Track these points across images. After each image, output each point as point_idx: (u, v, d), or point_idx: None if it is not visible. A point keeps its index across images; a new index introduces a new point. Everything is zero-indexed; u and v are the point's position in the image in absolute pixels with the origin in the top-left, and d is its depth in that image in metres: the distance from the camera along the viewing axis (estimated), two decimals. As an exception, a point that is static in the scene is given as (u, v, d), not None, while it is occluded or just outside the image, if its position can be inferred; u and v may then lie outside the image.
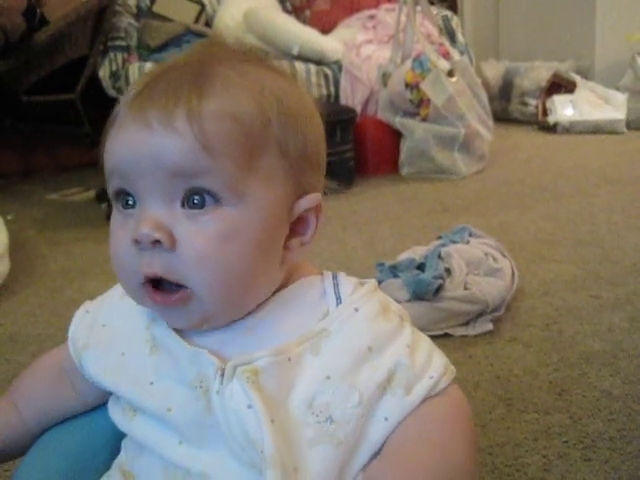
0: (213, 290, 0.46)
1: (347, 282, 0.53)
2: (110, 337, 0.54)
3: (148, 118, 0.45)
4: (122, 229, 0.48)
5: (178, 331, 0.51)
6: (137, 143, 0.45)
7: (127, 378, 0.51)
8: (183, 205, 0.46)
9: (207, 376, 0.47)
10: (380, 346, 0.48)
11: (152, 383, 0.50)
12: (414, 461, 0.45)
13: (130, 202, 0.47)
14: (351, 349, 0.48)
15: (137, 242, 0.45)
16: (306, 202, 0.50)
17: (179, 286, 0.46)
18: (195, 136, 0.44)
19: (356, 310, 0.50)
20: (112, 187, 0.48)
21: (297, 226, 0.51)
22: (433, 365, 0.49)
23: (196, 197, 0.45)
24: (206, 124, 0.44)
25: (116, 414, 0.54)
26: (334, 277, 0.53)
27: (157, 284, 0.47)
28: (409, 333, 0.50)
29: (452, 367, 0.51)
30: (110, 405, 0.55)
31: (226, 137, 0.45)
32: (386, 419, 0.47)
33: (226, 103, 0.46)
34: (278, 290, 0.51)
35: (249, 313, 0.50)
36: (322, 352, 0.48)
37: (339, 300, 0.51)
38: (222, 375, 0.47)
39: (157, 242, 0.45)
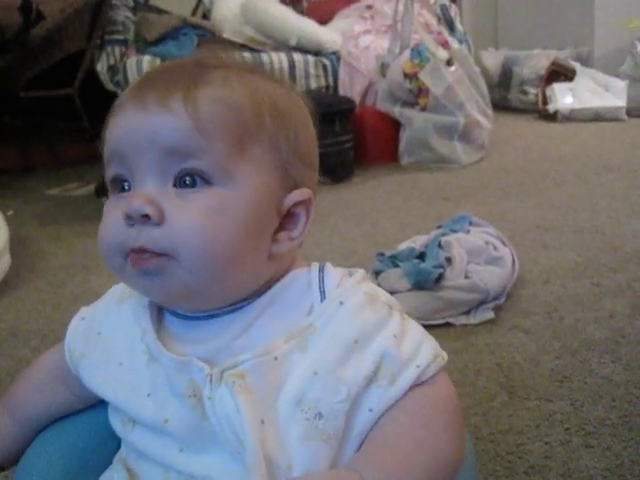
0: (196, 260, 0.46)
1: (333, 275, 0.52)
2: (107, 345, 0.54)
3: (145, 101, 0.47)
4: (115, 209, 0.49)
5: (168, 340, 0.51)
6: (134, 123, 0.47)
7: (124, 389, 0.51)
8: (175, 185, 0.47)
9: (198, 383, 0.48)
10: (366, 338, 0.48)
11: (149, 395, 0.50)
12: (395, 460, 0.45)
13: (126, 187, 0.49)
14: (338, 343, 0.48)
15: (128, 217, 0.46)
16: (296, 195, 0.51)
17: (163, 255, 0.46)
18: (189, 116, 0.46)
19: (341, 303, 0.50)
20: (110, 173, 0.50)
21: (287, 221, 0.51)
22: (421, 353, 0.49)
23: (187, 178, 0.47)
24: (200, 106, 0.46)
25: (116, 424, 0.54)
26: (320, 270, 0.53)
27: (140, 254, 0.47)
28: (397, 322, 0.50)
29: (443, 354, 0.51)
30: (110, 414, 0.55)
31: (219, 120, 0.47)
32: (370, 410, 0.47)
33: (222, 92, 0.48)
34: (269, 288, 0.51)
35: (238, 310, 0.50)
36: (309, 349, 0.48)
37: (323, 295, 0.51)
38: (211, 381, 0.47)
39: (146, 217, 0.46)
